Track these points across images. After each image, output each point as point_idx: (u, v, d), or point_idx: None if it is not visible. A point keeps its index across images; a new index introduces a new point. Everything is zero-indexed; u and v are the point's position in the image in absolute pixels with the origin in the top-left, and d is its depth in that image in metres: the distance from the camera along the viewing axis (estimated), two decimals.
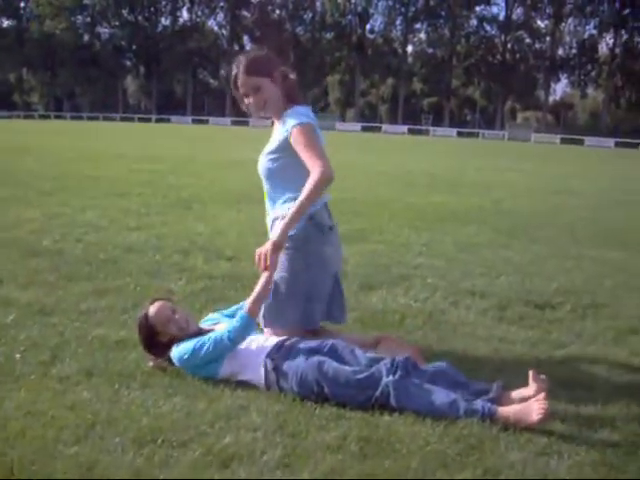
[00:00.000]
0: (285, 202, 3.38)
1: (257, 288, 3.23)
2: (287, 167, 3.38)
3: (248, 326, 3.17)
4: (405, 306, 4.53)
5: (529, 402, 2.73)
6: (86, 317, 4.04)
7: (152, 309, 3.32)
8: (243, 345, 3.19)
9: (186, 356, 3.15)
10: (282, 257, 3.32)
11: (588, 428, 2.79)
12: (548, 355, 3.73)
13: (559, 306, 4.72)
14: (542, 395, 2.72)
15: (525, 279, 5.47)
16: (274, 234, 3.23)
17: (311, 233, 3.35)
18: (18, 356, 3.36)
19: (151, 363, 3.28)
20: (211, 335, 3.17)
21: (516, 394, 2.93)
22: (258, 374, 3.11)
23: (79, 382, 3.09)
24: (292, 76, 3.47)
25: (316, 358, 3.05)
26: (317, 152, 3.22)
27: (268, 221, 3.54)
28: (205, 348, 3.12)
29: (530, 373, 2.94)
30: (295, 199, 3.23)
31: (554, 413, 2.80)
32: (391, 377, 2.88)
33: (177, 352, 3.18)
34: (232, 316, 3.41)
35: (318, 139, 3.29)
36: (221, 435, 2.61)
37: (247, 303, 3.23)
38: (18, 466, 2.31)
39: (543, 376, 2.93)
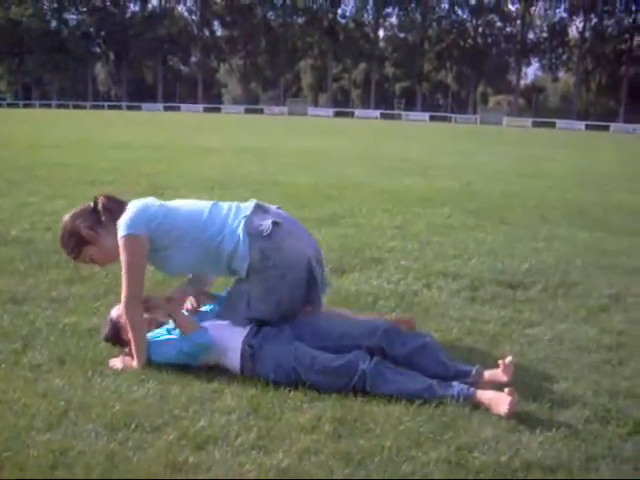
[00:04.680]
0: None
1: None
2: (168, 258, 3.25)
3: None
4: (378, 288, 4.55)
5: (502, 394, 2.74)
6: (57, 305, 4.01)
7: (113, 311, 3.35)
8: (216, 330, 3.18)
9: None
10: (248, 286, 3.18)
11: (559, 405, 2.83)
12: (520, 334, 3.77)
13: (531, 285, 4.77)
14: (512, 391, 2.73)
15: (497, 260, 5.51)
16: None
17: (263, 246, 3.10)
18: None
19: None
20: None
21: (488, 375, 2.95)
22: (234, 359, 3.09)
23: (51, 370, 3.06)
24: (100, 206, 3.29)
25: (292, 345, 3.04)
26: (125, 272, 3.12)
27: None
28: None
29: (500, 363, 2.92)
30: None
31: (521, 404, 2.81)
32: (367, 364, 2.88)
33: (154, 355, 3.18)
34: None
35: (132, 255, 3.11)
36: (195, 418, 2.61)
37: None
38: None
39: (509, 359, 2.93)
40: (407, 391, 2.83)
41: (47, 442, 2.39)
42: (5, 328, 3.56)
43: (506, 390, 2.73)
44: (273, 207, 3.35)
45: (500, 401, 2.72)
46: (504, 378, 2.90)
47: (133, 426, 2.52)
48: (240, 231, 3.12)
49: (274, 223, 3.13)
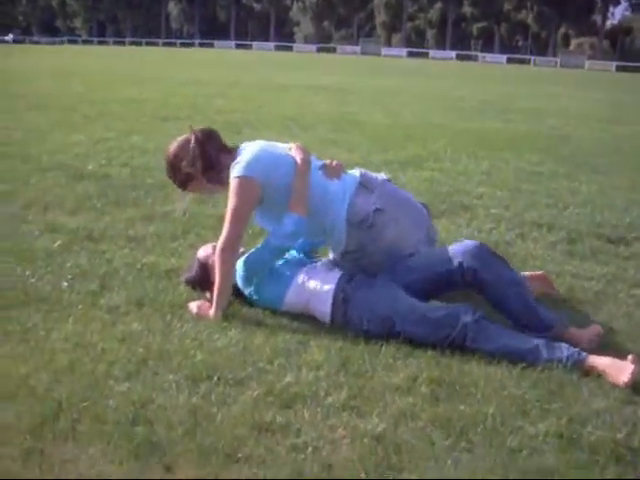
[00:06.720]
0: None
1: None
2: (269, 209, 3.08)
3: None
4: (469, 236, 4.24)
5: (623, 362, 2.47)
6: (135, 244, 3.89)
7: (201, 251, 3.21)
8: (310, 273, 2.99)
9: (246, 272, 3.01)
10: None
11: None
12: (626, 294, 3.44)
13: (634, 241, 4.39)
14: (636, 359, 2.45)
15: (594, 211, 5.12)
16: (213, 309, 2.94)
17: (361, 236, 2.98)
18: (65, 285, 3.21)
19: (208, 294, 3.08)
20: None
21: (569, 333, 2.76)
22: (325, 305, 2.89)
23: (129, 312, 2.93)
24: (206, 148, 3.10)
25: (389, 291, 2.82)
26: (229, 214, 2.94)
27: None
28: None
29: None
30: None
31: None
32: (470, 316, 2.65)
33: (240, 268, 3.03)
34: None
35: (242, 199, 2.94)
36: (281, 373, 2.43)
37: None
38: (67, 403, 2.16)
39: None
40: (510, 349, 2.59)
41: (127, 392, 2.25)
42: (83, 267, 3.46)
43: (630, 357, 2.45)
44: (379, 179, 3.12)
45: (621, 369, 2.44)
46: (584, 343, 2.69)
47: (215, 379, 2.36)
48: (340, 217, 2.97)
49: (377, 210, 2.95)
